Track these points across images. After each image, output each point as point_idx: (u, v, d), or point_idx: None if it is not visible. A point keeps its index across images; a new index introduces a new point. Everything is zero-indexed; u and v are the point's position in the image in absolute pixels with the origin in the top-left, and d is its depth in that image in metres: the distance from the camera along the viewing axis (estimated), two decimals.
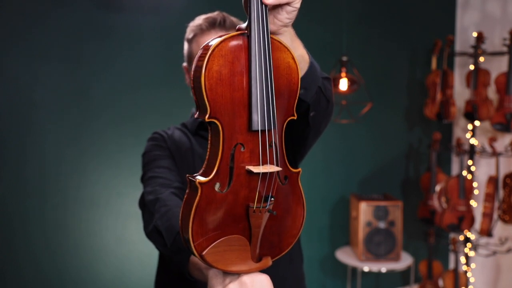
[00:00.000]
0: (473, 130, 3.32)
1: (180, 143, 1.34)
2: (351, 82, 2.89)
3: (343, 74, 2.89)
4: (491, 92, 3.25)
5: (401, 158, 3.64)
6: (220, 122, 0.75)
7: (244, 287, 0.79)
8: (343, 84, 2.88)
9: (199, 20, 1.32)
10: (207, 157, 0.79)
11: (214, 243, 0.77)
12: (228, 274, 0.81)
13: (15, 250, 2.61)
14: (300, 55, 0.93)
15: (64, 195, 2.69)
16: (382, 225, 3.14)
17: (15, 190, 2.59)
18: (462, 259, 3.38)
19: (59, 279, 2.70)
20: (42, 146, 2.62)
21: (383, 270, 3.10)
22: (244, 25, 0.78)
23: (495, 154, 3.16)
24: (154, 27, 2.78)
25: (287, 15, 0.82)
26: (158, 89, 2.82)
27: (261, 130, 0.77)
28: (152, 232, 1.12)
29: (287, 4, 0.80)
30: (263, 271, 0.82)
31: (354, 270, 3.37)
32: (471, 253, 3.35)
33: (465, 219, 3.20)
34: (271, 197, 0.80)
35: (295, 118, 0.83)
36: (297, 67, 0.81)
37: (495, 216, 3.21)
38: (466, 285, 3.30)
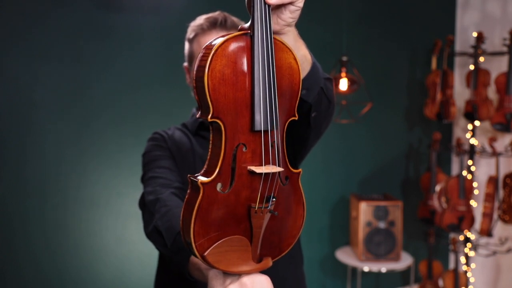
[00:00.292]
0: (473, 130, 3.32)
1: (181, 143, 1.34)
2: (351, 82, 2.89)
3: (343, 74, 2.89)
4: (491, 92, 3.25)
5: (401, 158, 3.64)
6: (223, 122, 0.75)
7: None
8: (343, 84, 2.88)
9: (200, 20, 1.32)
10: (208, 157, 0.79)
11: (216, 244, 0.77)
12: (228, 274, 0.81)
13: (15, 250, 2.61)
14: (303, 56, 0.93)
15: (64, 195, 2.69)
16: (382, 225, 3.14)
17: (15, 190, 2.59)
18: (462, 259, 3.38)
19: (59, 279, 2.70)
20: (42, 146, 2.62)
21: (383, 270, 3.10)
22: (247, 25, 0.78)
23: (495, 154, 3.16)
24: (154, 27, 2.78)
25: (291, 15, 0.82)
26: (158, 89, 2.82)
27: (263, 130, 0.77)
28: (152, 232, 1.12)
29: (290, 3, 0.80)
30: (263, 271, 0.82)
31: (354, 270, 3.37)
32: (471, 253, 3.35)
33: (465, 219, 3.20)
34: (273, 197, 0.80)
35: (297, 118, 0.83)
36: (298, 68, 0.81)
37: (495, 216, 3.21)
38: (466, 285, 3.30)
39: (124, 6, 2.70)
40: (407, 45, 3.56)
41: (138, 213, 1.27)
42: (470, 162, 3.35)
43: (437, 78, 3.32)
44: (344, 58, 2.91)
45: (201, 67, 0.74)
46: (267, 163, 0.79)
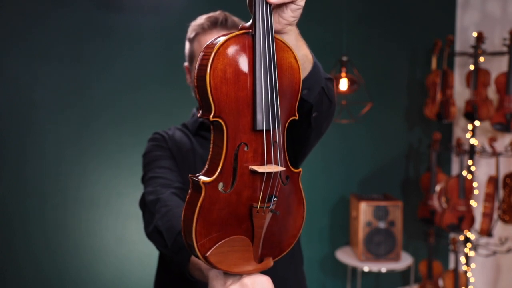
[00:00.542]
0: (473, 130, 3.32)
1: (181, 143, 1.34)
2: (351, 82, 2.89)
3: (343, 74, 2.89)
4: (491, 92, 3.25)
5: (401, 158, 3.64)
6: (225, 121, 0.75)
7: None
8: (343, 84, 2.88)
9: (201, 19, 1.32)
10: (209, 156, 0.78)
11: (218, 244, 0.77)
12: (229, 275, 0.81)
13: (15, 250, 2.61)
14: (304, 55, 0.93)
15: (64, 195, 2.69)
16: (382, 225, 3.14)
17: (15, 190, 2.59)
18: (462, 259, 3.38)
19: (59, 279, 2.70)
20: (42, 146, 2.62)
21: (383, 270, 3.10)
22: (248, 24, 0.78)
23: (495, 154, 3.16)
24: (154, 27, 2.78)
25: (292, 13, 0.82)
26: (158, 89, 2.82)
27: (265, 130, 0.77)
28: (153, 233, 1.12)
29: (292, 2, 0.80)
30: (264, 271, 0.82)
31: (354, 270, 3.37)
32: (471, 253, 3.35)
33: (465, 219, 3.20)
34: (274, 197, 0.80)
35: (297, 118, 0.83)
36: (299, 67, 0.81)
37: (495, 216, 3.21)
38: (466, 285, 3.30)
39: (124, 6, 2.70)
40: (407, 45, 3.56)
41: (138, 213, 1.27)
42: (470, 162, 3.35)
43: (437, 78, 3.32)
44: (344, 58, 2.91)
45: (202, 66, 0.74)
46: (268, 162, 0.78)
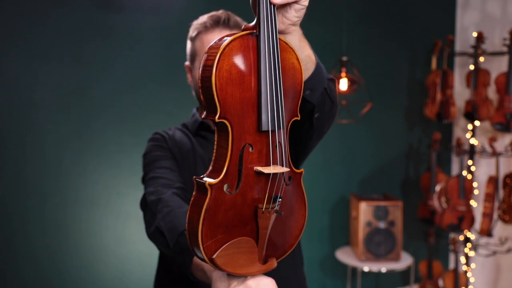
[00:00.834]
0: (473, 130, 3.32)
1: (181, 143, 1.34)
2: (351, 82, 2.89)
3: (343, 74, 2.89)
4: (491, 92, 3.25)
5: (401, 158, 3.64)
6: (230, 122, 0.74)
7: None
8: (343, 84, 2.88)
9: (203, 18, 1.32)
10: (213, 158, 0.78)
11: (224, 246, 0.76)
12: (233, 276, 0.80)
13: (15, 250, 2.61)
14: (307, 56, 0.93)
15: (64, 195, 2.69)
16: (382, 225, 3.14)
17: (15, 190, 2.59)
18: (462, 259, 3.38)
19: (59, 279, 2.70)
20: (42, 146, 2.62)
21: (383, 270, 3.10)
22: (251, 24, 0.77)
23: (495, 154, 3.16)
24: (154, 27, 2.78)
25: (296, 13, 0.82)
26: (158, 89, 2.82)
27: (270, 130, 0.77)
28: (155, 233, 1.11)
29: (295, 2, 0.79)
30: (267, 272, 0.82)
31: (354, 270, 3.37)
32: (471, 253, 3.35)
33: (465, 219, 3.20)
34: (279, 197, 0.80)
35: (299, 118, 0.83)
36: (301, 68, 0.81)
37: (495, 216, 3.21)
38: (466, 285, 3.30)
39: (124, 6, 2.70)
40: (407, 45, 3.55)
41: (138, 213, 1.27)
42: (470, 162, 3.35)
43: (437, 78, 3.32)
44: (344, 58, 2.91)
45: (208, 67, 0.73)
46: (273, 163, 0.78)
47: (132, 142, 2.68)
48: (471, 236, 3.34)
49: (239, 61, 0.74)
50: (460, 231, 3.24)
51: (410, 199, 3.62)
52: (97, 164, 2.73)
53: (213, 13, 1.32)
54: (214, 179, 0.75)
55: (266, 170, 0.76)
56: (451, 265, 3.77)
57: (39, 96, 2.59)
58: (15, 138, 2.58)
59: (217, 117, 0.73)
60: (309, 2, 0.83)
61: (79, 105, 2.68)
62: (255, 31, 0.76)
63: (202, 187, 0.75)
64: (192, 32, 1.34)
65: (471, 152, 3.35)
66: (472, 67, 3.20)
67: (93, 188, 2.74)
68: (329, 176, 3.40)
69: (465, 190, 3.19)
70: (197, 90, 1.34)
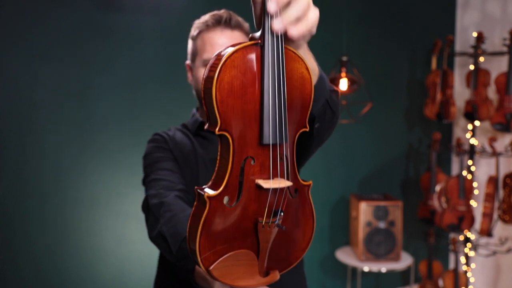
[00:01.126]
0: (473, 130, 3.32)
1: (182, 144, 1.33)
2: (351, 82, 2.89)
3: (343, 74, 2.89)
4: (491, 92, 3.25)
5: (401, 158, 3.64)
6: (231, 135, 0.73)
7: None
8: (343, 84, 2.87)
9: (205, 17, 1.31)
10: (216, 168, 0.77)
11: (222, 258, 0.75)
12: None
13: (15, 250, 2.61)
14: (311, 69, 0.92)
15: (64, 195, 2.69)
16: (382, 225, 3.14)
17: (15, 190, 2.59)
18: (462, 259, 3.38)
19: (59, 279, 2.70)
20: (42, 146, 2.62)
21: (383, 270, 3.10)
22: (257, 34, 0.75)
23: (495, 154, 3.16)
24: (154, 27, 2.78)
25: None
26: (158, 89, 2.82)
27: (272, 144, 0.75)
28: (157, 238, 1.10)
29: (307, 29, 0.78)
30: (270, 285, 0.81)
31: (354, 270, 3.37)
32: (471, 253, 3.35)
33: (465, 219, 3.20)
34: (281, 211, 0.78)
35: (308, 130, 0.80)
36: (310, 78, 0.78)
37: (495, 216, 3.21)
38: (466, 285, 3.30)
39: (124, 6, 2.70)
40: (407, 45, 3.55)
41: (138, 213, 1.26)
42: (470, 162, 3.34)
43: (437, 78, 3.32)
44: (344, 58, 2.91)
45: (209, 78, 0.72)
46: (275, 176, 0.76)
47: (132, 142, 2.68)
48: (471, 236, 3.34)
49: (241, 73, 0.72)
50: (460, 231, 3.24)
51: (410, 199, 3.62)
52: (97, 164, 2.73)
53: (215, 12, 1.32)
54: (215, 190, 0.74)
55: (266, 184, 0.74)
56: (451, 265, 3.77)
57: (39, 96, 2.59)
58: (15, 138, 2.58)
59: (217, 129, 0.72)
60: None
61: (79, 105, 2.68)
62: (260, 41, 0.74)
63: (202, 199, 0.74)
64: (193, 31, 1.34)
65: (471, 152, 3.35)
66: (472, 67, 3.20)
67: (93, 188, 2.74)
68: (329, 176, 3.40)
69: (465, 190, 3.19)
70: (197, 90, 1.34)
